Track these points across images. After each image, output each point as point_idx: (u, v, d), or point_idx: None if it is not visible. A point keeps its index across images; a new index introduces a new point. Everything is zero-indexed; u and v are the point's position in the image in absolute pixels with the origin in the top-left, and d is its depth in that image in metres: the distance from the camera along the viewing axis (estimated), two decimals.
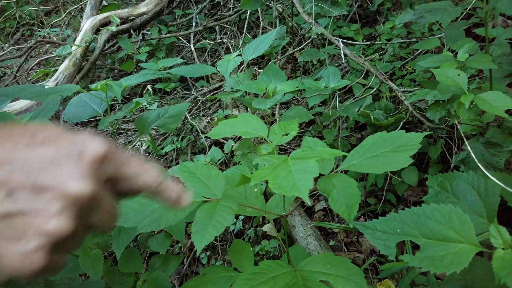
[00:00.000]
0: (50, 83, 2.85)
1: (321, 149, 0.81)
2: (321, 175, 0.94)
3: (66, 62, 2.98)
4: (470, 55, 1.38)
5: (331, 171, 0.93)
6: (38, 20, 4.68)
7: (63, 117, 1.43)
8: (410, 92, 1.83)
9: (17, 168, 0.33)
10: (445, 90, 1.29)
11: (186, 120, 2.58)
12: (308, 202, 0.63)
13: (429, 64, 1.39)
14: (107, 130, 2.83)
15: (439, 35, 2.15)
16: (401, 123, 1.79)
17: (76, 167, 0.35)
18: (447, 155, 1.79)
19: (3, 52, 3.74)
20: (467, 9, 1.56)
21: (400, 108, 1.95)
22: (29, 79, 3.39)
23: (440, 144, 1.81)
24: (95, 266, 1.15)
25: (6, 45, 4.43)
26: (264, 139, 0.98)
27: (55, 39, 3.79)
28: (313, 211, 2.06)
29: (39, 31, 4.30)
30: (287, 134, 0.97)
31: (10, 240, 0.33)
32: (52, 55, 3.46)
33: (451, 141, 1.81)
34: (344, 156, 0.94)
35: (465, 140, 1.09)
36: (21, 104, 2.60)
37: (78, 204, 0.34)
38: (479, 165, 0.91)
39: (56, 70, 2.98)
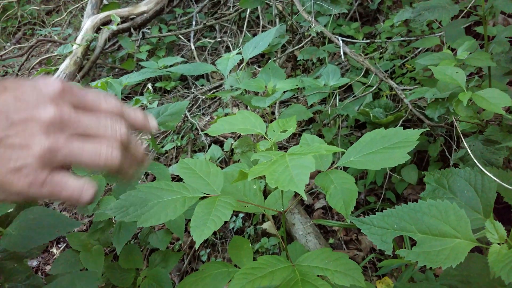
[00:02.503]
0: None
1: (318, 145, 0.81)
2: (319, 171, 0.94)
3: (67, 61, 2.99)
4: (469, 53, 1.38)
5: (329, 168, 0.94)
6: (40, 19, 4.69)
7: None
8: (410, 90, 1.84)
9: None
10: (443, 87, 1.29)
11: (186, 119, 2.59)
12: (304, 197, 0.64)
13: (428, 62, 1.39)
14: None
15: (439, 33, 2.15)
16: (401, 121, 1.80)
17: (41, 101, 0.43)
18: (447, 153, 1.80)
19: (5, 51, 3.75)
20: (467, 7, 1.56)
21: (400, 106, 1.95)
22: (30, 78, 3.40)
23: (440, 142, 1.81)
24: (96, 261, 1.16)
25: (8, 44, 4.44)
26: (263, 136, 0.98)
27: (56, 38, 3.80)
28: (312, 209, 2.07)
29: (40, 30, 4.31)
30: (285, 131, 0.98)
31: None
32: (53, 54, 3.47)
33: (450, 139, 1.81)
34: (343, 153, 0.95)
35: (462, 138, 1.09)
36: None
37: (52, 125, 0.43)
38: (476, 162, 0.92)
39: (57, 69, 2.99)
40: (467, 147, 1.03)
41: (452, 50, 1.56)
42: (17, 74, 3.48)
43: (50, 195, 0.43)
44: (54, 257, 2.22)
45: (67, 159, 0.44)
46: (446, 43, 1.67)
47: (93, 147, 0.45)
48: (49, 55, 3.59)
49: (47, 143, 0.42)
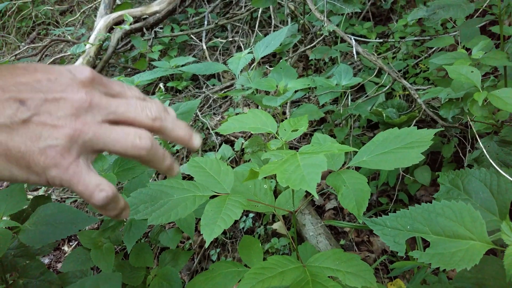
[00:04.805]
0: None
1: (330, 144, 0.80)
2: (330, 171, 0.93)
3: (80, 60, 3.02)
4: (485, 53, 1.36)
5: (341, 168, 0.93)
6: (53, 20, 4.74)
7: None
8: (424, 90, 1.81)
9: (24, 88, 0.41)
10: (458, 87, 1.27)
11: (197, 118, 2.60)
12: (316, 196, 0.63)
13: (442, 61, 1.37)
14: None
15: (454, 33, 2.12)
16: (414, 121, 1.78)
17: (73, 85, 0.43)
18: (461, 154, 1.77)
19: (19, 51, 3.80)
20: (483, 6, 1.54)
21: (413, 106, 1.93)
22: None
23: (454, 143, 1.78)
24: (107, 259, 1.16)
25: (22, 44, 4.50)
26: (274, 136, 0.98)
27: (69, 38, 3.84)
28: (323, 210, 2.05)
29: (54, 30, 4.36)
30: (296, 130, 0.97)
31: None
32: (67, 54, 3.51)
33: (464, 140, 1.78)
34: (355, 154, 0.93)
35: (478, 138, 1.07)
36: None
37: (82, 107, 0.43)
38: (493, 163, 0.90)
39: None
40: (482, 147, 1.01)
41: (467, 50, 1.54)
42: None
43: (67, 183, 0.42)
44: (65, 255, 2.24)
45: (94, 143, 0.43)
46: (460, 42, 1.64)
47: (121, 131, 0.44)
48: (62, 54, 3.63)
49: (77, 124, 0.42)
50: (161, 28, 3.48)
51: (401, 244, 0.73)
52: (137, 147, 0.44)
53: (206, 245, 0.69)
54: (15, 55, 3.68)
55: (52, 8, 4.68)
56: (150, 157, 0.45)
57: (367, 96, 2.15)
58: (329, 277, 0.83)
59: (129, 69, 3.42)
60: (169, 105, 2.61)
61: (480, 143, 1.04)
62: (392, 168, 0.83)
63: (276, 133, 0.98)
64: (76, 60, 3.05)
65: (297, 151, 0.79)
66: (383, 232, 0.76)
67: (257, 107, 2.60)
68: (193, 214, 1.29)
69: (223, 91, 2.80)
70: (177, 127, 0.49)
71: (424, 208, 0.76)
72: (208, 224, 0.75)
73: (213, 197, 0.85)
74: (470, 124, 1.29)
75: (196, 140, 0.51)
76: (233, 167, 2.16)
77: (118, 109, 0.45)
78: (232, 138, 2.40)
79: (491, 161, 0.89)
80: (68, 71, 0.45)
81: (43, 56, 3.68)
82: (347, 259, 0.86)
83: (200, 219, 0.78)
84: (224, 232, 2.03)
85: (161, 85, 2.96)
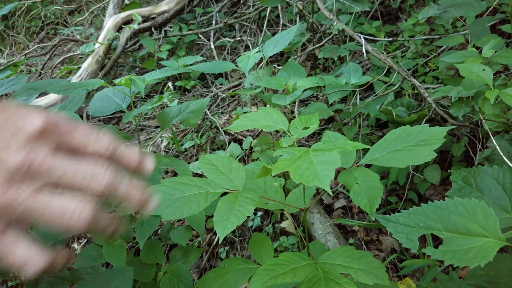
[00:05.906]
0: (74, 80, 2.91)
1: (343, 141, 0.81)
2: (339, 171, 0.93)
3: (89, 59, 3.04)
4: (495, 52, 1.35)
5: (353, 165, 0.93)
6: (62, 19, 4.78)
7: (88, 111, 1.47)
8: (433, 89, 1.81)
9: None
10: (469, 85, 1.27)
11: (206, 117, 2.61)
12: (330, 192, 0.63)
13: (453, 60, 1.37)
14: (128, 126, 2.88)
15: (463, 32, 2.11)
16: (424, 120, 1.77)
17: (13, 142, 0.38)
18: (471, 153, 1.76)
19: (29, 50, 3.84)
20: (493, 5, 1.53)
21: (423, 105, 1.92)
22: (53, 76, 3.47)
23: (464, 142, 1.78)
24: (118, 256, 1.17)
25: (32, 43, 4.54)
26: (284, 133, 0.98)
27: (78, 37, 3.87)
28: (332, 209, 2.05)
29: (63, 29, 4.39)
30: (307, 128, 0.97)
31: None
32: (76, 53, 3.53)
33: (475, 139, 1.77)
34: (365, 151, 0.93)
35: (491, 136, 1.07)
36: (46, 100, 2.66)
37: (18, 172, 0.37)
38: (506, 160, 0.89)
39: (80, 67, 3.05)
40: (495, 144, 1.01)
41: (477, 49, 1.53)
42: (40, 73, 3.55)
43: None
44: (75, 252, 2.26)
45: (26, 216, 0.38)
46: (470, 41, 1.63)
47: (60, 203, 0.38)
48: (71, 54, 3.66)
49: (7, 195, 0.37)
50: (170, 27, 3.50)
51: (414, 241, 0.73)
52: (74, 225, 0.39)
53: (220, 241, 0.70)
54: (25, 55, 3.71)
55: (61, 8, 4.72)
56: (90, 230, 0.40)
57: (376, 95, 2.15)
58: (341, 274, 0.84)
59: (137, 69, 3.44)
60: (177, 104, 2.62)
61: (494, 141, 1.03)
62: (404, 165, 0.83)
63: (287, 130, 0.98)
64: (86, 59, 3.07)
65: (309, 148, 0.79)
66: (395, 229, 0.76)
67: (265, 106, 2.61)
68: (203, 212, 1.29)
69: (231, 90, 2.81)
70: (132, 193, 0.43)
71: (437, 206, 0.76)
72: (221, 220, 0.75)
73: (224, 194, 0.86)
74: (480, 123, 1.29)
75: (151, 205, 0.45)
76: None
77: (62, 178, 0.39)
78: (240, 137, 2.40)
79: (504, 158, 0.89)
80: (14, 121, 0.39)
81: (52, 55, 3.72)
82: (359, 256, 0.87)
83: (208, 217, 0.78)
84: (233, 231, 2.03)
85: (169, 84, 2.97)
